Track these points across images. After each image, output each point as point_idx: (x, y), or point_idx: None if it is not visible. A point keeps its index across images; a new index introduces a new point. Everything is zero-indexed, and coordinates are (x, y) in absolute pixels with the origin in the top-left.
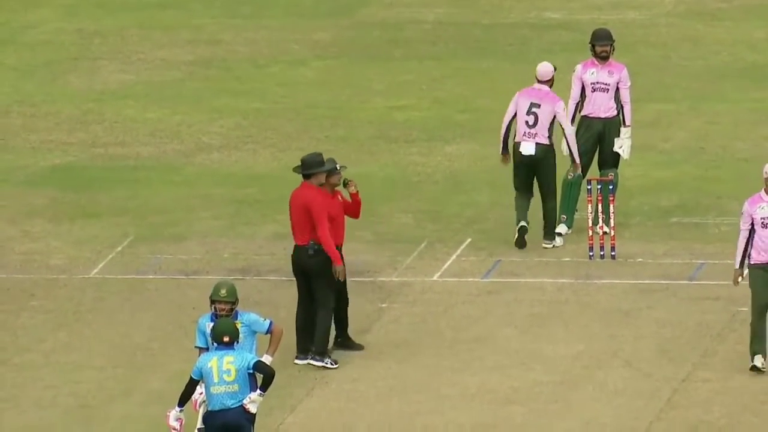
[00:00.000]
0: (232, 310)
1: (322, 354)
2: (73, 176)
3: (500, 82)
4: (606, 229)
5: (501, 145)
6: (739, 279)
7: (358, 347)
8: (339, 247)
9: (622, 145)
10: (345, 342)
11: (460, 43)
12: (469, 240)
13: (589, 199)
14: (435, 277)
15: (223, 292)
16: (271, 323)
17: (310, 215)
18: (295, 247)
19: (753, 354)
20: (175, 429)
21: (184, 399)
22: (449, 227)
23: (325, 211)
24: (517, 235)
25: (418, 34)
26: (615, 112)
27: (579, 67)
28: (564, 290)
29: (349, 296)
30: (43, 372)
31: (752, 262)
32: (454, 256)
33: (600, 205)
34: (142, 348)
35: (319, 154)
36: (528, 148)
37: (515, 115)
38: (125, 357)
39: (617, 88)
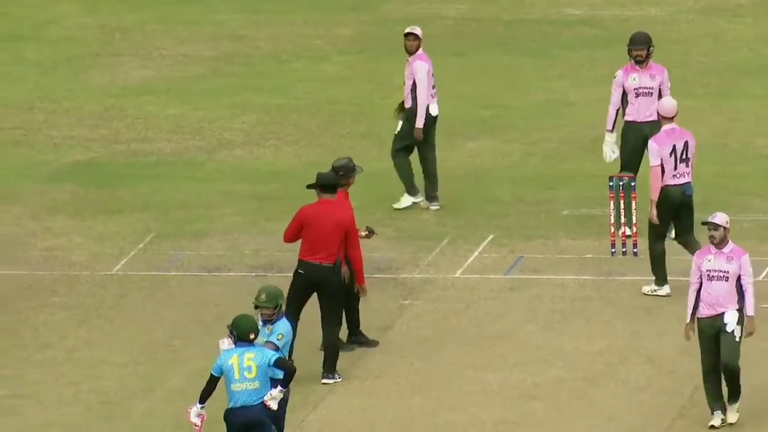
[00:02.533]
0: (273, 314)
1: (334, 371)
2: (95, 172)
3: (522, 78)
4: (628, 232)
5: (422, 121)
6: (690, 333)
7: (374, 343)
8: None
9: None
10: (359, 339)
11: (482, 39)
12: (491, 236)
13: (611, 195)
14: (457, 274)
15: (262, 297)
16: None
17: (345, 233)
18: (315, 265)
19: (711, 410)
20: (196, 425)
21: (205, 396)
22: (471, 223)
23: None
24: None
25: (439, 29)
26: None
27: (620, 73)
28: (586, 287)
29: (370, 293)
30: (65, 368)
31: (699, 316)
32: (476, 253)
33: (622, 203)
34: (163, 344)
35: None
36: (436, 109)
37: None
38: (147, 353)
39: (659, 91)
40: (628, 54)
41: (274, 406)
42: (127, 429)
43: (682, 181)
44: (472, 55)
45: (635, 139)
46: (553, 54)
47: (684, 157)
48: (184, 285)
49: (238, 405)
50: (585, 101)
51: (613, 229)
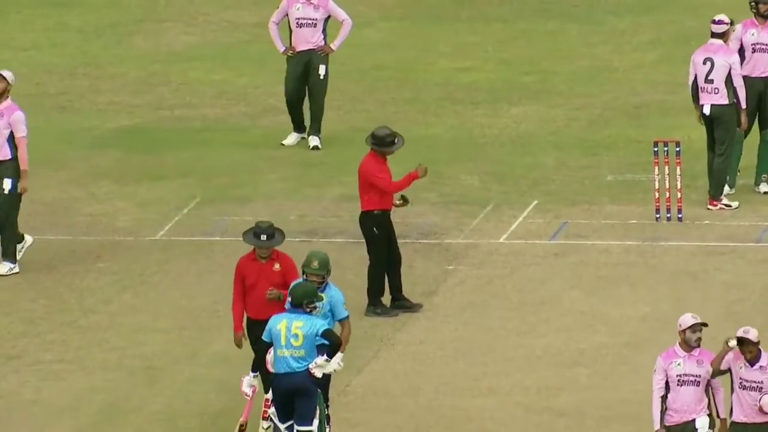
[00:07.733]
0: (323, 282)
1: None
2: (139, 138)
3: (566, 44)
4: (766, 189)
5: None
6: None
7: (417, 307)
8: (387, 211)
9: None
10: (402, 303)
11: (526, 4)
12: (536, 202)
13: (656, 161)
14: (501, 239)
15: (315, 264)
16: (347, 316)
17: None
18: None
19: None
20: (247, 396)
21: (257, 363)
22: (515, 189)
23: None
24: None
25: None
26: None
27: (739, 27)
28: (630, 252)
29: (415, 258)
30: (109, 334)
31: (668, 424)
32: (520, 218)
33: (667, 168)
34: (207, 310)
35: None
36: None
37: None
38: (191, 319)
39: None
40: (753, 9)
41: (318, 374)
42: (170, 394)
43: None
44: (516, 21)
45: (750, 94)
46: (596, 20)
47: None
48: (228, 250)
49: (282, 371)
50: (628, 67)
51: (657, 195)
